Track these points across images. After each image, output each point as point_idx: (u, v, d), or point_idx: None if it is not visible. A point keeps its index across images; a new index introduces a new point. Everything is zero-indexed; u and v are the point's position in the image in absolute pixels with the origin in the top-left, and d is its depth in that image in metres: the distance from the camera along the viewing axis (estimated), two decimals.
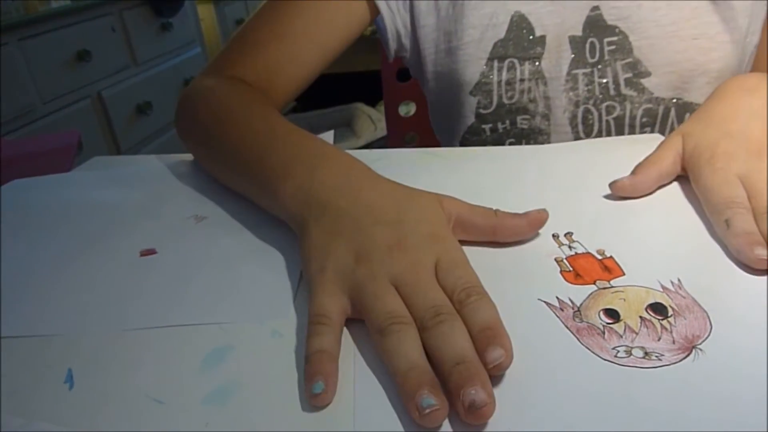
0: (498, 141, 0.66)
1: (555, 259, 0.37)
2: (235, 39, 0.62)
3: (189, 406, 0.28)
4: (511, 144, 0.66)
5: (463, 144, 0.68)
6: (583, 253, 0.37)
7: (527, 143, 0.65)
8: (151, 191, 0.53)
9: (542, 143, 0.65)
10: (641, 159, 0.45)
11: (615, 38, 0.60)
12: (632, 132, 0.62)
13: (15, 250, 0.45)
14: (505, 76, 0.62)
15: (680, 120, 0.61)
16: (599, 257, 0.37)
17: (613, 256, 0.36)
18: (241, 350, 0.31)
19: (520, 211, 0.39)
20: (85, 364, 0.32)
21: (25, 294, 0.39)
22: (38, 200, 0.53)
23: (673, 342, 0.29)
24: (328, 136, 0.58)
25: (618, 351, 0.29)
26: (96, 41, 1.74)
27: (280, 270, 0.38)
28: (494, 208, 0.39)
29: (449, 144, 0.72)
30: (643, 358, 0.28)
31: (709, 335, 0.29)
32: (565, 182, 0.47)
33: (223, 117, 0.51)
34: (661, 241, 0.38)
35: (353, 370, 0.29)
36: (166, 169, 0.58)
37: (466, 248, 0.35)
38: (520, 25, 0.61)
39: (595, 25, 0.60)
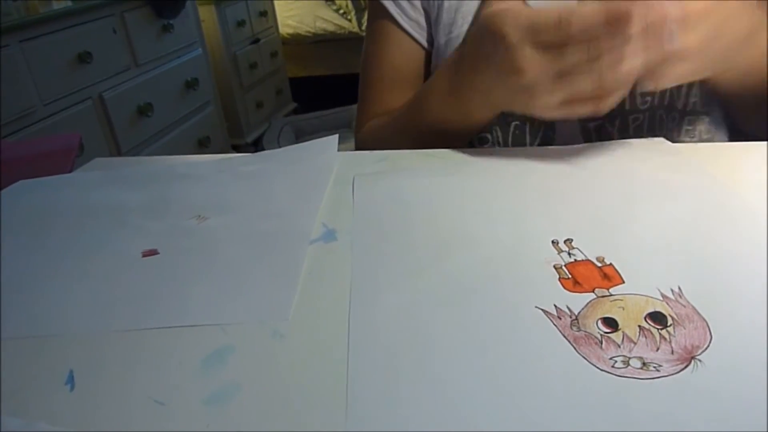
0: (503, 123, 0.66)
1: (554, 266, 0.37)
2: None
3: (190, 407, 0.28)
4: (516, 126, 0.66)
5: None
6: (583, 261, 0.37)
7: (531, 124, 0.65)
8: (153, 192, 0.53)
9: (544, 121, 0.64)
10: (645, 163, 0.44)
11: None
12: (633, 101, 0.61)
13: (17, 250, 0.45)
14: None
15: (679, 87, 0.60)
16: (599, 265, 0.36)
17: (613, 263, 0.36)
18: (242, 351, 0.32)
19: (520, 217, 0.39)
20: (85, 364, 0.32)
21: (27, 294, 0.39)
22: (40, 201, 0.54)
23: (672, 352, 0.29)
24: (333, 140, 0.59)
25: (615, 361, 0.29)
26: (97, 43, 1.74)
27: (281, 271, 0.39)
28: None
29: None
30: (641, 368, 0.28)
31: (708, 346, 0.29)
32: (567, 187, 0.47)
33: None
34: (662, 248, 0.38)
35: (346, 369, 0.29)
36: (167, 170, 0.58)
37: (460, 262, 0.35)
38: None
39: None
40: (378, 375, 0.29)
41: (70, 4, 1.69)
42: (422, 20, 0.70)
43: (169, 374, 0.30)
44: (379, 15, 0.71)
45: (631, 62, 0.42)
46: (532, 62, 0.45)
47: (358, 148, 0.74)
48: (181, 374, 0.30)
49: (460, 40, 0.64)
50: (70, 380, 0.31)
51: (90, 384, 0.30)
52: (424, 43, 0.71)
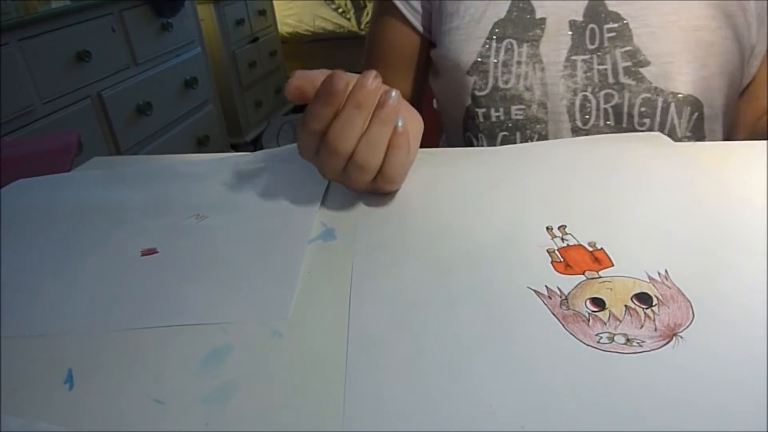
0: (490, 131, 0.65)
1: (547, 251, 0.37)
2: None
3: (189, 406, 0.28)
4: (504, 137, 0.65)
5: (464, 129, 0.69)
6: (575, 245, 0.38)
7: (522, 135, 0.64)
8: (152, 191, 0.53)
9: (539, 132, 0.64)
10: (641, 155, 0.45)
11: (615, 25, 0.59)
12: (631, 122, 0.61)
13: (16, 249, 0.45)
14: (502, 57, 0.62)
15: (680, 115, 0.60)
16: (590, 249, 0.37)
17: (604, 248, 0.37)
18: (241, 350, 0.32)
19: (517, 205, 0.39)
20: (85, 363, 0.32)
21: (26, 294, 0.39)
22: (39, 200, 0.54)
23: (655, 329, 0.30)
24: None
25: (601, 337, 0.29)
26: (96, 41, 1.74)
27: (281, 270, 0.39)
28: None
29: (455, 131, 0.72)
30: (625, 344, 0.29)
31: (690, 324, 0.30)
32: (563, 177, 0.48)
33: None
34: (652, 234, 0.38)
35: (345, 372, 0.29)
36: (166, 169, 0.58)
37: (458, 241, 0.35)
38: (521, 5, 0.61)
39: (596, 10, 0.59)
40: (376, 375, 0.29)
41: (68, 2, 1.69)
42: (418, 5, 0.70)
43: (168, 373, 0.30)
44: None
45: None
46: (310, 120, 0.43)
47: None
48: (180, 373, 0.30)
49: (461, 31, 0.64)
50: (69, 379, 0.31)
51: (89, 383, 0.30)
52: (419, 27, 0.71)
